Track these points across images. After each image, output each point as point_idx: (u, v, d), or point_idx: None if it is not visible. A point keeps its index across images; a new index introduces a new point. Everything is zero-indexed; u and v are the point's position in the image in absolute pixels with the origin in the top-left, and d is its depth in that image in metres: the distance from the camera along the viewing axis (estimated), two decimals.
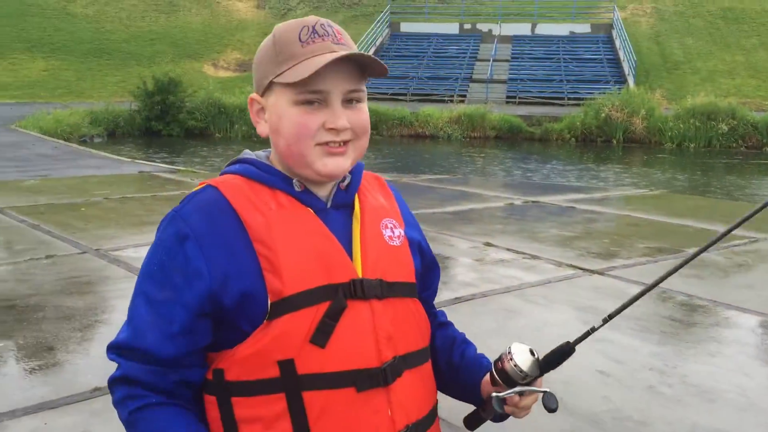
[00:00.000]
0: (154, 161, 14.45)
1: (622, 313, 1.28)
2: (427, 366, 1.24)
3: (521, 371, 1.19)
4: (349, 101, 1.15)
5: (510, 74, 29.75)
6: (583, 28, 34.09)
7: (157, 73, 21.59)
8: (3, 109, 23.01)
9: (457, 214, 8.23)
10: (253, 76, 1.21)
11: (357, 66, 1.14)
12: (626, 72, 28.49)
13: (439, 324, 1.37)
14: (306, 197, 1.15)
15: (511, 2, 37.01)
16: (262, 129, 1.19)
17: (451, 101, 26.03)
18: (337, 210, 1.18)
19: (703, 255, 6.28)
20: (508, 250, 6.29)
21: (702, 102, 21.59)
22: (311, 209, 1.14)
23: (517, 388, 1.20)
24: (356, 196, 1.22)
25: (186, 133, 21.54)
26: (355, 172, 1.23)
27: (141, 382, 1.11)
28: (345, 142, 1.15)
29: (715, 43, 32.00)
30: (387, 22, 34.81)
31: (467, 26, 35.12)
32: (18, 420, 3.09)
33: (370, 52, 31.40)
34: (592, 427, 3.10)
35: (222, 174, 1.21)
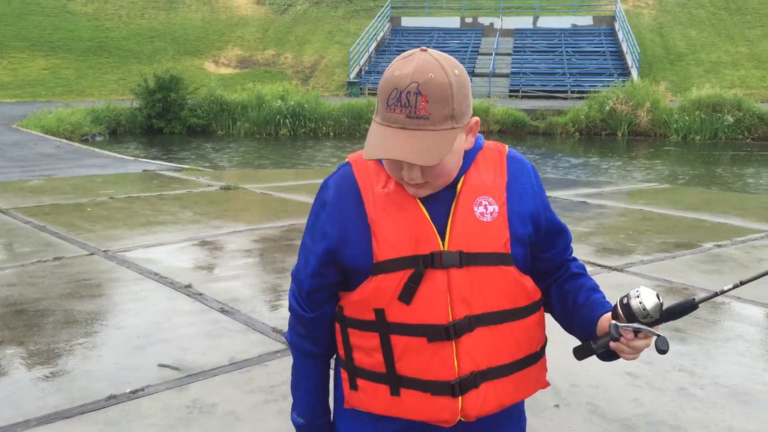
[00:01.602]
0: (158, 160, 14.34)
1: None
2: (514, 325, 1.42)
3: (644, 309, 1.29)
4: None
5: (512, 68, 29.60)
6: (585, 20, 33.88)
7: (158, 71, 21.43)
8: (4, 109, 22.87)
9: None
10: None
11: None
12: (630, 64, 28.33)
13: (571, 275, 1.55)
14: None
15: None
16: None
17: None
18: (445, 190, 1.39)
19: (721, 249, 6.20)
20: None
21: (707, 94, 21.39)
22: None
23: (636, 324, 1.31)
24: (463, 176, 1.40)
25: (188, 130, 21.37)
26: (467, 156, 1.42)
27: (296, 317, 1.55)
28: (423, 182, 1.36)
29: (719, 35, 31.81)
30: (388, 16, 34.62)
31: (468, 20, 34.93)
32: (32, 430, 2.99)
33: (372, 47, 31.37)
34: None
35: None
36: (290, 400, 3.35)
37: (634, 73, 27.22)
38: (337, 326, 1.50)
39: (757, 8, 33.47)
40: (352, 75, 29.55)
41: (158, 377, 3.50)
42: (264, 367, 3.64)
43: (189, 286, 4.96)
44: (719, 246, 6.38)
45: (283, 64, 32.55)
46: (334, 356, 1.60)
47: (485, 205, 1.39)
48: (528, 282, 1.45)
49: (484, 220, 1.38)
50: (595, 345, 1.40)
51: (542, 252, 1.51)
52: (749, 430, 3.05)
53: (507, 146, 1.51)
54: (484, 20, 34.63)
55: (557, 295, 1.54)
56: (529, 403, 3.30)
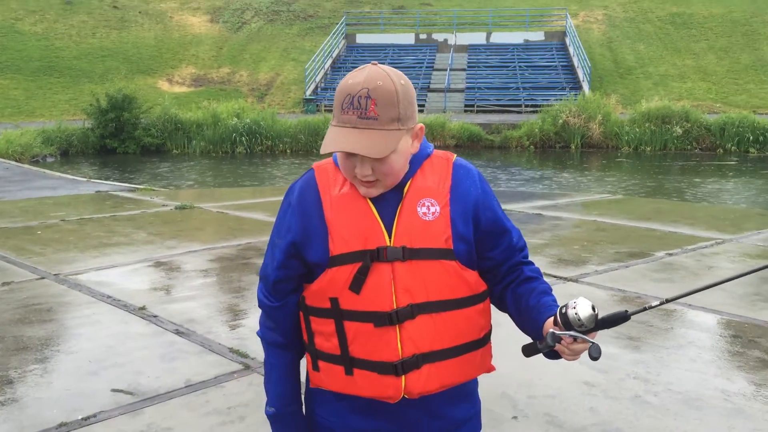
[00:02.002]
0: (111, 180, 14.10)
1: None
2: (455, 314, 1.56)
3: (579, 319, 1.42)
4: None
5: (467, 83, 29.94)
6: (536, 36, 34.50)
7: (110, 90, 21.12)
8: None
9: None
10: None
11: None
12: (581, 78, 28.89)
13: (525, 278, 1.65)
14: None
15: (465, 12, 37.33)
16: None
17: None
18: (391, 192, 1.56)
19: (673, 258, 6.34)
20: None
21: (656, 106, 21.95)
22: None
23: (572, 332, 1.43)
24: (410, 180, 1.57)
25: (142, 150, 21.10)
26: (414, 162, 1.59)
27: (264, 309, 1.69)
28: (372, 181, 1.53)
29: (666, 48, 32.70)
30: (343, 33, 34.76)
31: (423, 36, 35.27)
32: None
33: (327, 64, 31.46)
34: None
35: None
36: (248, 421, 3.32)
37: (586, 86, 27.77)
38: (301, 314, 1.65)
39: (702, 22, 34.53)
40: (308, 92, 29.55)
41: (111, 402, 3.42)
42: (221, 388, 3.59)
43: (143, 308, 4.87)
44: (670, 254, 6.52)
45: (238, 81, 32.38)
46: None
47: (428, 206, 1.56)
48: (471, 276, 1.59)
49: (427, 219, 1.55)
50: (540, 345, 1.51)
51: (485, 250, 1.63)
52: None
53: (455, 155, 1.66)
54: (438, 36, 35.00)
55: (512, 297, 1.65)
56: (487, 416, 3.32)
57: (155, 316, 4.71)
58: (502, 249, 1.65)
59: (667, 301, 1.50)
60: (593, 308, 1.43)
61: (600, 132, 21.77)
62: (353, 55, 33.65)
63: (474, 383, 1.69)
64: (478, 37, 34.55)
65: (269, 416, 1.74)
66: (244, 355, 4.02)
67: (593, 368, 3.81)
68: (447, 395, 1.61)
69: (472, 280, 1.59)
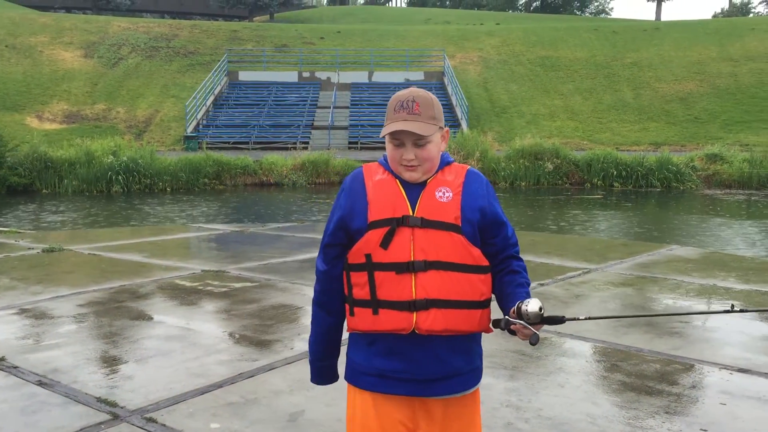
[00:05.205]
0: None
1: None
2: (459, 275, 2.01)
3: (527, 314, 1.87)
4: (416, 144, 2.03)
5: (351, 120, 30.36)
6: (416, 75, 35.58)
7: None
8: None
9: (308, 263, 8.13)
10: None
11: None
12: (459, 116, 29.98)
13: (511, 270, 2.10)
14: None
15: (347, 51, 37.98)
16: None
17: (294, 148, 26.07)
18: (418, 184, 2.07)
19: (544, 288, 6.62)
20: None
21: (529, 143, 23.11)
22: (399, 182, 2.07)
23: (521, 321, 1.87)
24: (432, 176, 2.08)
25: (8, 190, 19.91)
26: (439, 166, 2.12)
27: (318, 275, 2.16)
28: (414, 165, 2.05)
29: (536, 89, 34.54)
30: (225, 70, 34.47)
31: (306, 74, 35.56)
32: None
33: (209, 101, 31.07)
34: None
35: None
36: None
37: (464, 124, 28.83)
38: (344, 275, 2.10)
39: (568, 65, 36.80)
40: (190, 129, 28.97)
41: None
42: None
43: (2, 359, 4.55)
44: (542, 284, 6.81)
45: (114, 118, 31.30)
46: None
47: (444, 192, 2.06)
48: (475, 251, 2.04)
49: (442, 201, 2.05)
50: (501, 325, 1.94)
51: (489, 237, 2.10)
52: None
53: (469, 166, 2.18)
54: (321, 74, 35.42)
55: (498, 283, 2.09)
56: None
57: (15, 367, 4.41)
58: (501, 237, 2.12)
59: (590, 318, 2.19)
60: (540, 308, 1.88)
61: (479, 168, 22.56)
62: (236, 92, 33.41)
63: (475, 345, 2.11)
64: (360, 76, 35.23)
65: (310, 362, 2.24)
66: (113, 404, 3.83)
67: None
68: (450, 344, 2.03)
69: (475, 254, 2.04)
